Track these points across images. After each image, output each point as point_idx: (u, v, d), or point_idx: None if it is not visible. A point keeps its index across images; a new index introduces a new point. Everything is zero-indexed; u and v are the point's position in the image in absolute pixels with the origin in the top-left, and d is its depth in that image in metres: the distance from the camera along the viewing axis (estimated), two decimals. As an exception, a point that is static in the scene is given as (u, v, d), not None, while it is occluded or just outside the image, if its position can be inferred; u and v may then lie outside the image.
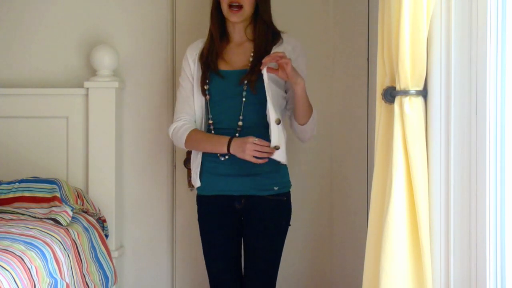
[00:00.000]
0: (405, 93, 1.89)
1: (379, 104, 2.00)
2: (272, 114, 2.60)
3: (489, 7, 1.74)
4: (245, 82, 2.66)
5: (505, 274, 1.75)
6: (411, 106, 1.89)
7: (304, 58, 2.76)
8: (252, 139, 2.57)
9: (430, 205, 1.91)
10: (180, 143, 2.76)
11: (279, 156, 2.60)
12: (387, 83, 1.98)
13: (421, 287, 1.91)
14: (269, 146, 2.58)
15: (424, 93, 1.92)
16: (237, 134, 2.67)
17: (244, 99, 2.67)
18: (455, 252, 1.87)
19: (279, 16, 2.88)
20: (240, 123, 2.68)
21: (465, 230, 1.84)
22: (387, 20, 1.95)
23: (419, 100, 1.91)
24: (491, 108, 1.75)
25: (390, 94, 1.95)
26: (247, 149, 2.56)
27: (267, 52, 2.68)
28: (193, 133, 2.72)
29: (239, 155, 2.60)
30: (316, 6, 3.39)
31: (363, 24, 3.05)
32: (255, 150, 2.56)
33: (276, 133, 2.60)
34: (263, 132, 2.66)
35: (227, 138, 2.64)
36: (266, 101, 2.62)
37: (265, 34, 2.72)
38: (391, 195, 1.89)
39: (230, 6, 2.67)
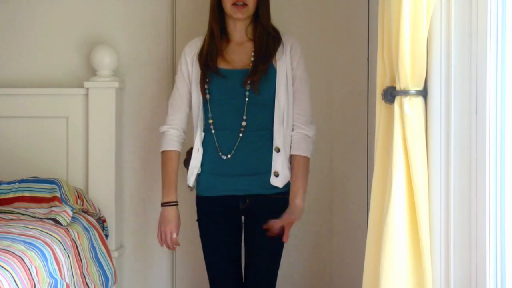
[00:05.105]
0: (405, 93, 1.89)
1: (379, 104, 2.00)
2: (274, 141, 2.67)
3: (489, 7, 1.74)
4: (248, 82, 2.66)
5: (505, 274, 1.75)
6: (411, 106, 1.89)
7: (301, 56, 2.75)
8: (174, 238, 2.75)
9: (430, 205, 1.91)
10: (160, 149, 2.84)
11: (276, 181, 2.67)
12: (387, 83, 1.98)
13: (421, 287, 1.91)
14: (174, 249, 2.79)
15: (424, 93, 1.92)
16: (240, 135, 2.67)
17: (247, 99, 2.67)
18: (455, 252, 1.87)
19: (279, 16, 2.88)
20: (244, 123, 2.68)
21: (465, 230, 1.84)
22: (387, 20, 1.95)
23: (419, 100, 1.91)
24: (491, 108, 1.75)
25: (390, 94, 1.95)
26: (163, 235, 2.75)
27: (268, 52, 2.68)
28: (163, 157, 2.80)
29: (160, 224, 2.75)
30: (316, 6, 3.39)
31: (363, 24, 3.05)
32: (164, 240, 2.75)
33: (276, 160, 2.67)
34: (266, 133, 2.68)
35: (167, 198, 2.75)
36: (269, 101, 2.67)
37: (266, 34, 2.72)
38: (391, 195, 1.89)
39: (235, 3, 2.67)
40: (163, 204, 2.76)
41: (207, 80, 2.71)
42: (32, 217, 2.91)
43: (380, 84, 2.00)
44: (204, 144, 2.73)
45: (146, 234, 3.47)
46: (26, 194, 3.09)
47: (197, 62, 2.75)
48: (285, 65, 2.70)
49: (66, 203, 3.07)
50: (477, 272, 1.80)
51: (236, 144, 2.68)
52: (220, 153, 2.69)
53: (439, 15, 1.88)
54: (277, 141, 2.67)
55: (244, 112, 2.67)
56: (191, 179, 2.75)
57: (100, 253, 3.04)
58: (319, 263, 3.43)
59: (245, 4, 2.67)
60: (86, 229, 3.01)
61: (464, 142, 1.84)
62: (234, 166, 2.68)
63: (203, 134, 2.74)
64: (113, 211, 3.34)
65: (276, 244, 2.70)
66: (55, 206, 3.04)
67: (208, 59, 2.72)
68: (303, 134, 2.71)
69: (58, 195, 3.09)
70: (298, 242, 3.34)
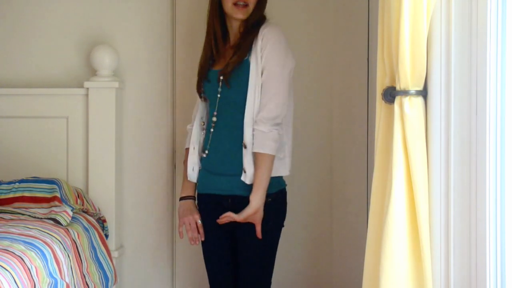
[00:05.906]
0: (405, 93, 1.89)
1: (379, 104, 2.00)
2: (244, 137, 2.60)
3: (489, 7, 1.74)
4: (221, 78, 2.65)
5: (505, 274, 1.75)
6: (411, 106, 1.89)
7: (274, 47, 2.61)
8: (200, 223, 2.75)
9: (430, 205, 1.91)
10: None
11: (244, 178, 2.59)
12: (387, 83, 1.98)
13: (421, 287, 1.91)
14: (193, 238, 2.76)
15: (424, 93, 1.92)
16: (211, 130, 2.67)
17: (219, 95, 2.66)
18: (455, 252, 1.87)
19: (279, 15, 2.87)
20: (214, 119, 2.67)
21: (465, 230, 1.84)
22: (387, 20, 1.95)
23: (419, 100, 1.91)
24: (491, 108, 1.75)
25: (390, 94, 1.95)
26: (192, 224, 2.74)
27: (244, 46, 2.64)
28: (185, 154, 2.85)
29: (182, 215, 2.77)
30: (316, 5, 3.40)
31: (363, 24, 3.05)
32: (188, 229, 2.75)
33: (245, 157, 2.59)
34: (237, 133, 2.62)
35: (183, 193, 2.80)
36: (241, 98, 2.60)
37: (252, 32, 2.68)
38: (391, 195, 1.89)
39: (236, 3, 2.66)
40: (181, 198, 2.80)
41: (201, 84, 2.74)
42: (32, 217, 2.91)
43: (380, 84, 2.00)
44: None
45: (146, 234, 3.47)
46: (26, 194, 3.09)
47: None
48: (256, 57, 2.61)
49: (66, 203, 3.07)
50: (477, 272, 1.80)
51: (209, 141, 2.68)
52: (201, 151, 2.72)
53: (439, 15, 1.88)
54: (246, 137, 2.60)
55: (216, 108, 2.66)
56: (190, 175, 2.76)
57: (100, 253, 3.05)
58: (319, 263, 3.43)
59: (246, 5, 2.67)
60: (86, 229, 3.01)
61: (464, 142, 1.84)
62: (213, 164, 2.68)
63: (202, 132, 2.76)
64: (113, 211, 3.34)
65: (263, 245, 2.64)
66: (55, 206, 3.04)
67: (203, 65, 2.74)
68: (258, 130, 2.58)
69: (58, 195, 3.10)
70: (298, 242, 3.35)
